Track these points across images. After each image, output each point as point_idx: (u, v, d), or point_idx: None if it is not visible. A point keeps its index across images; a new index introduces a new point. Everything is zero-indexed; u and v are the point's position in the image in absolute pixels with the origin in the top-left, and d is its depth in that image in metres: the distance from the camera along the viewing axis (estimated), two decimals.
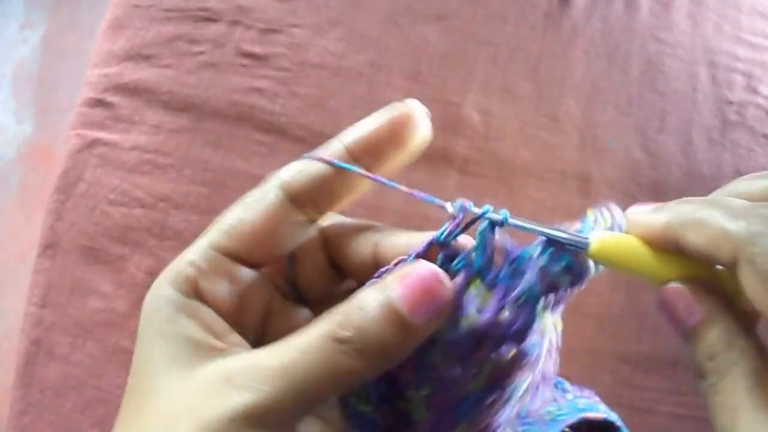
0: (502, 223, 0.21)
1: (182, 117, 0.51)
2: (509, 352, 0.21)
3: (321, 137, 0.51)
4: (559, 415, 0.36)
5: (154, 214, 0.49)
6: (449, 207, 0.22)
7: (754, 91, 0.54)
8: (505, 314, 0.21)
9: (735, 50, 0.54)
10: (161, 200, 0.49)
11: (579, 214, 0.53)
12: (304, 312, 0.25)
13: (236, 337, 0.22)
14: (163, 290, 0.22)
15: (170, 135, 0.51)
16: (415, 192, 0.23)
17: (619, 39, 0.54)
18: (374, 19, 0.53)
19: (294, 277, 0.25)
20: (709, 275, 0.22)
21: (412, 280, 0.20)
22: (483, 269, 0.21)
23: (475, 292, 0.21)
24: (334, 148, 0.23)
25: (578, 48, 0.54)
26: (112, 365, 0.47)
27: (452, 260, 0.22)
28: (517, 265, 0.21)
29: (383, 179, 0.23)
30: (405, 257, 0.22)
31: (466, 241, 0.22)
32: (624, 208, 0.23)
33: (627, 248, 0.22)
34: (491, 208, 0.22)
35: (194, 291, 0.22)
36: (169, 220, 0.48)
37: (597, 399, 0.41)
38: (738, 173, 0.51)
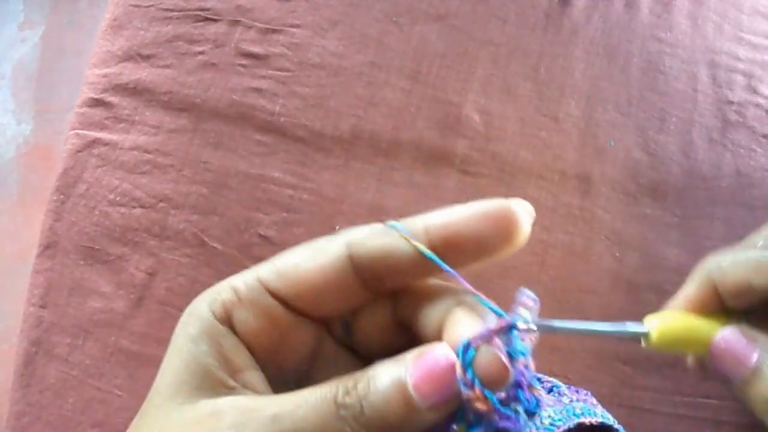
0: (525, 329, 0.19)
1: (182, 117, 0.51)
2: None
3: (321, 137, 0.51)
4: (556, 420, 0.36)
5: (154, 214, 0.49)
6: (506, 318, 0.20)
7: (755, 91, 0.54)
8: None
9: (735, 50, 0.54)
10: (161, 200, 0.49)
11: (579, 214, 0.53)
12: (356, 361, 0.24)
13: (254, 376, 0.21)
14: (198, 307, 0.21)
15: (170, 135, 0.51)
16: (482, 296, 0.21)
17: (619, 39, 0.54)
18: (374, 19, 0.53)
19: (350, 334, 0.24)
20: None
21: (425, 361, 0.19)
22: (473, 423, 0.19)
23: None
24: (414, 227, 0.21)
25: (578, 48, 0.54)
26: (111, 365, 0.47)
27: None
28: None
29: (458, 276, 0.20)
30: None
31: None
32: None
33: (679, 323, 0.22)
34: (524, 316, 0.19)
35: (227, 317, 0.21)
36: (169, 220, 0.48)
37: (594, 401, 0.41)
38: (738, 173, 0.51)
